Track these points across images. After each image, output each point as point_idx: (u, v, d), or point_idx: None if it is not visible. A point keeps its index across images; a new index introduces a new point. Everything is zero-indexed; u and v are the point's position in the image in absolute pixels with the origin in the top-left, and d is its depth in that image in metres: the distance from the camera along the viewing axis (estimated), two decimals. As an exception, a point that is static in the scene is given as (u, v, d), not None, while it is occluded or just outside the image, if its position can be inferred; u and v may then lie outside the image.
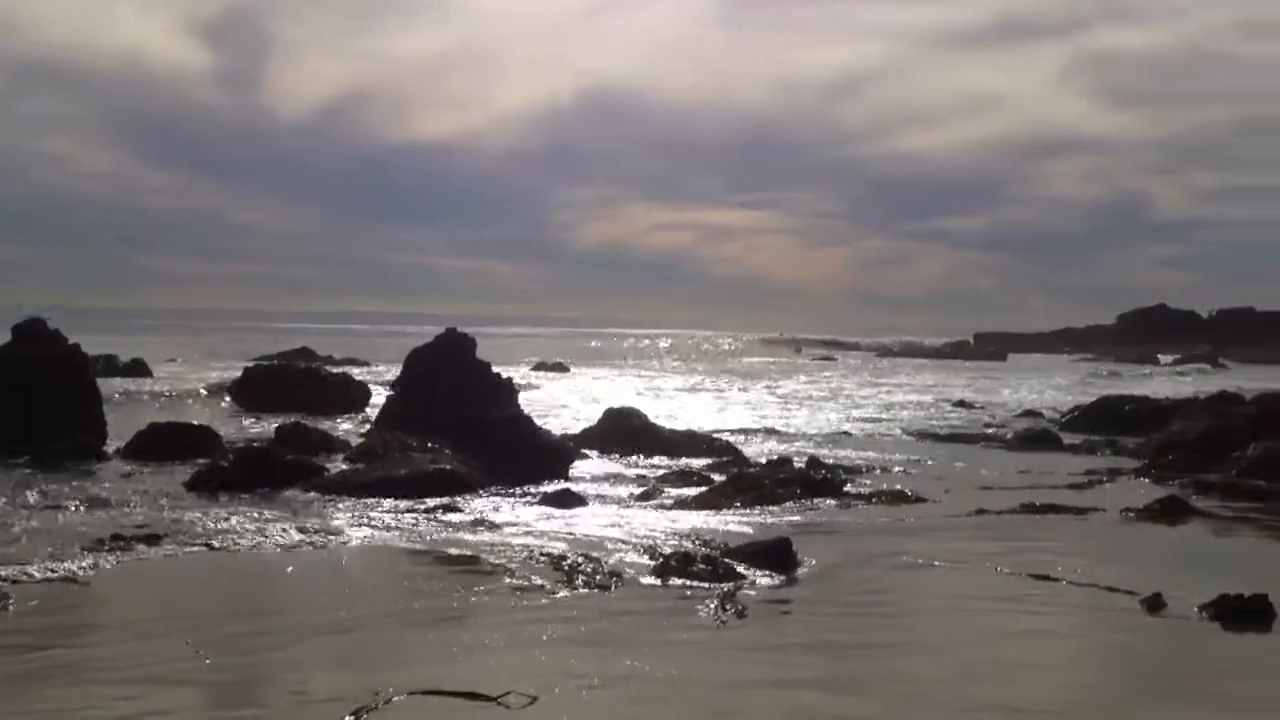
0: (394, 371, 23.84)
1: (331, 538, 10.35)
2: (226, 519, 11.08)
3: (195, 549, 9.76)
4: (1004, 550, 10.11)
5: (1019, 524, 11.70)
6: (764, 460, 16.54)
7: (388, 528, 10.94)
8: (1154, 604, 7.93)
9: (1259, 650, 7.34)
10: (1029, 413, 27.16)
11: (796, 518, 11.92)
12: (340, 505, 12.14)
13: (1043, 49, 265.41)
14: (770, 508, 12.38)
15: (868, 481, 14.71)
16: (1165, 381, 43.82)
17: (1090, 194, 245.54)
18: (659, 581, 8.75)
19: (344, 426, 19.97)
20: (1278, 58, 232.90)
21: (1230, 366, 58.01)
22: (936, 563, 9.71)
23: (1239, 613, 7.65)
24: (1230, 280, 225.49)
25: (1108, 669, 6.96)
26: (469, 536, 10.54)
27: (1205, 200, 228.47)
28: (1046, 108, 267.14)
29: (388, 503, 12.27)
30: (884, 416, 26.30)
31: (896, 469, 16.23)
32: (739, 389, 34.94)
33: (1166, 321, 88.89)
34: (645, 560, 9.39)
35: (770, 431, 21.76)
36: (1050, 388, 38.90)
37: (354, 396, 24.23)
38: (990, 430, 22.63)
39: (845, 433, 22.06)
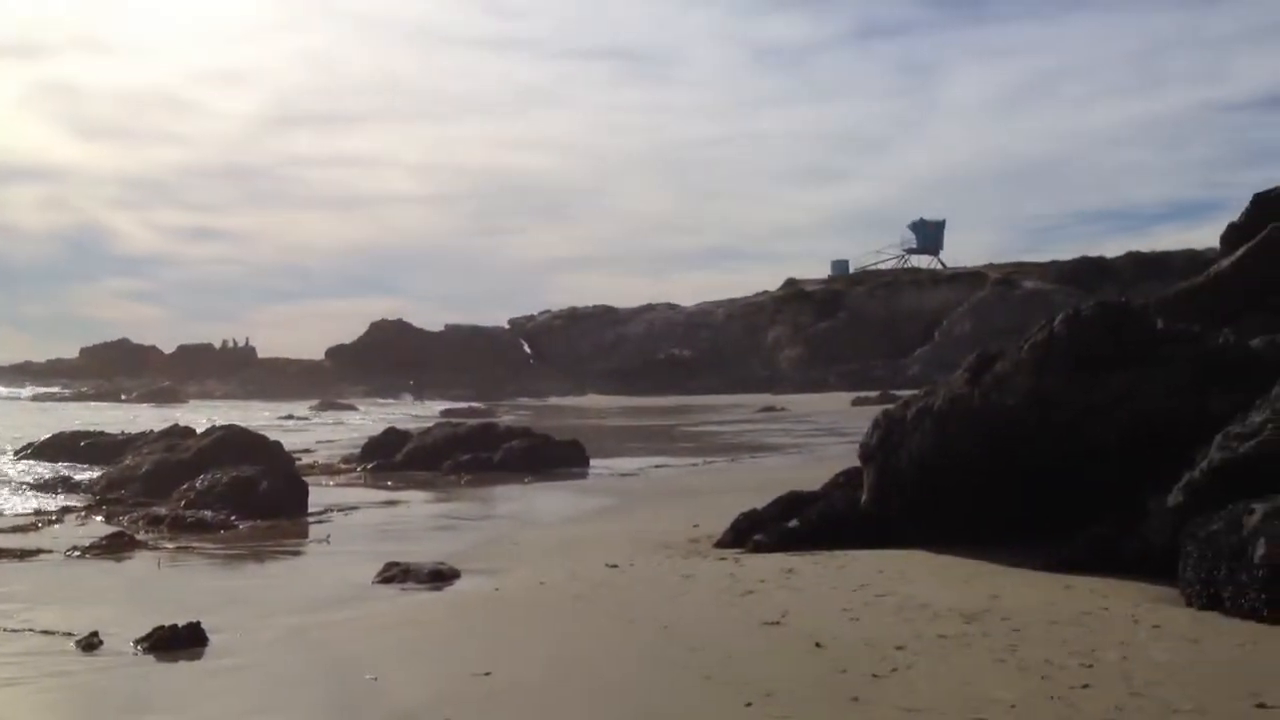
0: None
1: None
2: None
3: None
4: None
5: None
6: None
7: None
8: (89, 643, 7.95)
9: (193, 676, 7.72)
10: (-23, 451, 25.48)
11: None
12: None
13: (3, 70, 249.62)
14: None
15: None
16: (125, 415, 44.03)
17: (53, 224, 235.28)
18: None
19: None
20: (230, 107, 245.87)
21: (189, 401, 60.37)
22: None
23: (173, 643, 7.99)
24: (191, 316, 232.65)
25: (45, 714, 6.83)
26: None
27: (167, 237, 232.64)
28: (5, 132, 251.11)
29: None
30: None
31: None
32: None
33: (130, 355, 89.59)
34: None
35: None
36: (6, 423, 36.92)
37: None
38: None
39: None
